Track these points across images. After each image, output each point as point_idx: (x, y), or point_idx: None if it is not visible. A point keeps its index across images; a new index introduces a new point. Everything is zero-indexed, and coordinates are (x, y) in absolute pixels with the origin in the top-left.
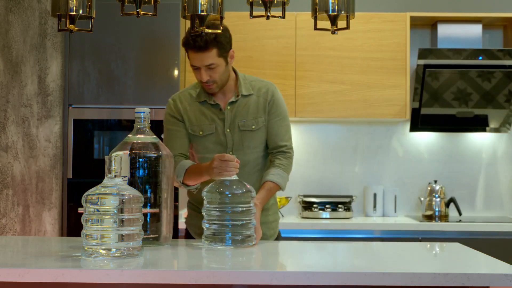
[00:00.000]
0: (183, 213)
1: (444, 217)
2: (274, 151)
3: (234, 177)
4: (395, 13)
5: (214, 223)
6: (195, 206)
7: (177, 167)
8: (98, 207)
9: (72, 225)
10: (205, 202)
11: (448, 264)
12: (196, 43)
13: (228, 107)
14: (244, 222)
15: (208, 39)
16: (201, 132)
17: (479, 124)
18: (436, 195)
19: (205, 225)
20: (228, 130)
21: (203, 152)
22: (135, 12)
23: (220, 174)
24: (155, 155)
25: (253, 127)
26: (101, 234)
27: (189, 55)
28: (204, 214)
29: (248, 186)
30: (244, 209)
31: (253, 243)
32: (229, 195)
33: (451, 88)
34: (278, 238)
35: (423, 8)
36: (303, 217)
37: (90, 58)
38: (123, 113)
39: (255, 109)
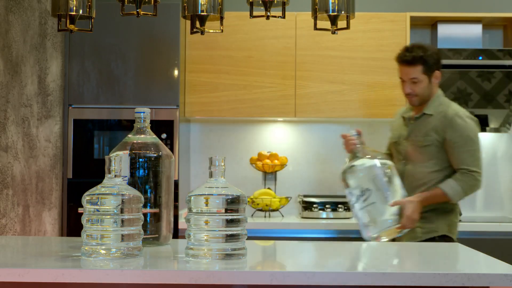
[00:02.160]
0: (183, 213)
1: None
2: (456, 172)
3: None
4: (395, 13)
5: (198, 233)
6: None
7: None
8: (98, 207)
9: (72, 225)
10: (188, 207)
11: (448, 264)
12: (404, 57)
13: (411, 122)
14: (235, 233)
15: (416, 56)
16: (392, 138)
17: (479, 124)
18: None
19: (187, 234)
20: (406, 141)
21: (395, 157)
22: (135, 12)
23: (346, 149)
24: (155, 155)
25: (420, 143)
26: (101, 234)
27: (399, 68)
28: (187, 222)
29: (240, 192)
30: (234, 217)
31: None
32: (217, 201)
33: (451, 88)
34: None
35: (423, 8)
36: (303, 217)
37: (90, 58)
38: (123, 113)
39: (429, 128)
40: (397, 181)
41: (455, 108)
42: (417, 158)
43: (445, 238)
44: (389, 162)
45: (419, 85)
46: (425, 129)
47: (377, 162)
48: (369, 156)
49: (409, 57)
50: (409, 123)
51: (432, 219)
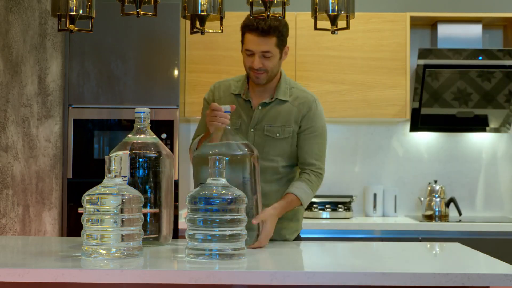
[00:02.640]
0: (183, 213)
1: (444, 217)
2: (303, 167)
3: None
4: (395, 13)
5: (198, 233)
6: None
7: (193, 143)
8: (98, 207)
9: (72, 225)
10: (188, 208)
11: (448, 264)
12: (259, 25)
13: (260, 107)
14: (235, 233)
15: (272, 25)
16: (228, 126)
17: (479, 124)
18: (436, 195)
19: (187, 235)
20: (252, 130)
21: None
22: (135, 12)
23: (210, 124)
24: (155, 155)
25: (277, 135)
26: (101, 234)
27: (246, 39)
28: (187, 222)
29: (240, 192)
30: (234, 218)
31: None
32: (216, 201)
33: (451, 88)
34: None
35: (423, 8)
36: (303, 217)
37: (90, 58)
38: (123, 113)
39: (286, 118)
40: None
41: (307, 91)
42: (270, 152)
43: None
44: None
45: (271, 60)
46: (280, 119)
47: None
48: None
49: (264, 26)
50: (257, 109)
51: (290, 217)
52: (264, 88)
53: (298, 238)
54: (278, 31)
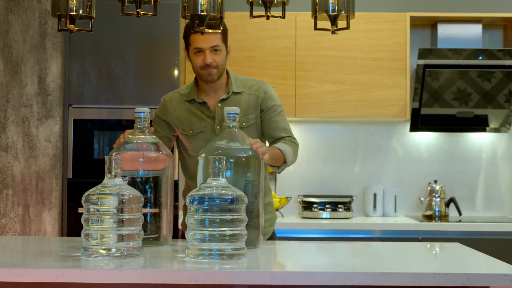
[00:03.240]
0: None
1: (444, 217)
2: (276, 141)
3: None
4: (395, 13)
5: (198, 233)
6: None
7: None
8: (98, 207)
9: (72, 225)
10: (188, 208)
11: (448, 264)
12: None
13: (219, 105)
14: (235, 233)
15: (217, 21)
16: (191, 131)
17: (479, 124)
18: (436, 195)
19: (188, 235)
20: (218, 127)
21: (196, 151)
22: (135, 12)
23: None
24: (155, 155)
25: (244, 124)
26: (101, 234)
27: (193, 40)
28: (187, 222)
29: (240, 192)
30: (234, 218)
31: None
32: (216, 201)
33: (451, 88)
34: (273, 238)
35: (423, 8)
36: (303, 217)
37: (90, 58)
38: (123, 113)
39: (246, 106)
40: None
41: (256, 79)
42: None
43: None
44: None
45: (220, 55)
46: (243, 108)
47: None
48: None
49: (210, 22)
50: (217, 107)
51: (268, 209)
52: (215, 87)
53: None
54: (222, 27)
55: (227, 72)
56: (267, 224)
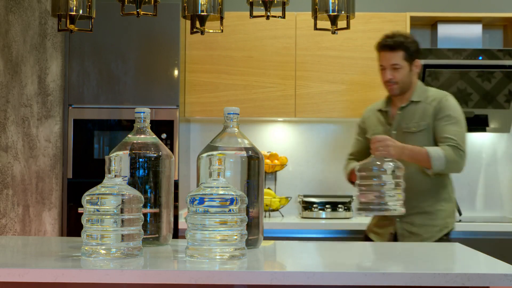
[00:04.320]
0: (183, 213)
1: None
2: (442, 142)
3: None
4: (395, 13)
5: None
6: None
7: (344, 167)
8: (98, 207)
9: (72, 225)
10: (188, 208)
11: (448, 264)
12: (386, 42)
13: (399, 112)
14: (234, 232)
15: (397, 41)
16: (374, 135)
17: (479, 124)
18: None
19: (187, 235)
20: (394, 132)
21: None
22: (135, 12)
23: (374, 151)
24: (155, 155)
25: (414, 129)
26: (101, 234)
27: (379, 56)
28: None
29: (240, 192)
30: (235, 217)
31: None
32: (216, 201)
33: (451, 88)
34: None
35: (423, 8)
36: (303, 217)
37: (90, 58)
38: (123, 113)
39: (421, 114)
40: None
41: (441, 91)
42: (412, 145)
43: (450, 232)
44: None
45: (400, 72)
46: (416, 116)
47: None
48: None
49: (390, 42)
50: (396, 114)
51: (441, 215)
52: (401, 98)
53: (443, 238)
54: (404, 46)
55: (417, 84)
56: (423, 230)
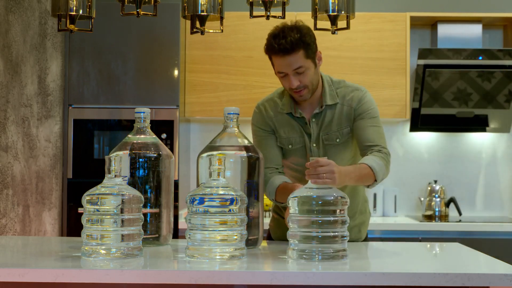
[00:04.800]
0: (183, 213)
1: (444, 217)
2: (365, 152)
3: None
4: (395, 13)
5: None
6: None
7: (268, 184)
8: (98, 207)
9: (72, 225)
10: (188, 208)
11: (448, 264)
12: (280, 46)
13: (313, 120)
14: (234, 232)
15: (293, 40)
16: (290, 146)
17: (479, 124)
18: (436, 195)
19: (187, 235)
20: (314, 145)
21: (296, 164)
22: (135, 12)
23: (312, 178)
24: (155, 155)
25: (337, 140)
26: (101, 234)
27: (274, 61)
28: (187, 222)
29: (240, 192)
30: (235, 217)
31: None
32: (216, 201)
33: (451, 88)
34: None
35: (423, 8)
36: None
37: (90, 58)
38: (123, 113)
39: (339, 119)
40: None
41: (352, 85)
42: (335, 158)
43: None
44: None
45: (306, 74)
46: (336, 122)
47: None
48: None
49: (286, 45)
50: (312, 123)
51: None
52: (310, 100)
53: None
54: (302, 43)
55: (323, 80)
56: (361, 228)
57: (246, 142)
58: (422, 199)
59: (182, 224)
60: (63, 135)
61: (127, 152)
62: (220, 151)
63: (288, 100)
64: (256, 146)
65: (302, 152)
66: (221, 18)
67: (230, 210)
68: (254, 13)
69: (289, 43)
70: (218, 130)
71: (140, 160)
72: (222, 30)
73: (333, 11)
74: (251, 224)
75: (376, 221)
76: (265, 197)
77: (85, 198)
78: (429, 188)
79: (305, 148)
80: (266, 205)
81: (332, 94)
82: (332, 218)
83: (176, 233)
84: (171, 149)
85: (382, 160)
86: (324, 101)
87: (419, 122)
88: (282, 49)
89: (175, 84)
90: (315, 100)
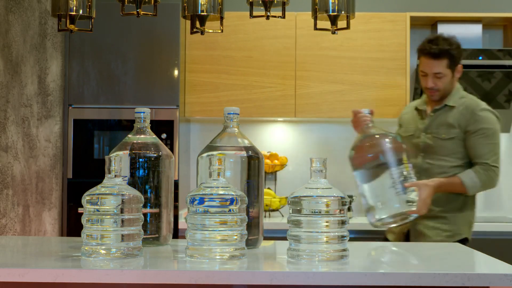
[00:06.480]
0: (183, 213)
1: None
2: (475, 165)
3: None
4: (395, 13)
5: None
6: None
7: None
8: (98, 207)
9: (72, 225)
10: (188, 208)
11: (448, 264)
12: (431, 50)
13: (432, 114)
14: (234, 232)
15: (442, 49)
16: (405, 133)
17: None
18: None
19: (187, 235)
20: (424, 134)
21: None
22: (135, 12)
23: (356, 126)
24: (155, 155)
25: (443, 136)
26: (101, 234)
27: (421, 61)
28: (187, 222)
29: (240, 192)
30: (235, 217)
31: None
32: (216, 201)
33: None
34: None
35: (423, 8)
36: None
37: (90, 58)
38: (123, 113)
39: (452, 120)
40: (410, 165)
41: (477, 100)
42: (438, 152)
43: (465, 242)
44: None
45: (442, 80)
46: (448, 122)
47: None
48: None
49: (435, 50)
50: (429, 116)
51: (455, 221)
52: (441, 100)
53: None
54: (448, 54)
55: (455, 87)
56: (434, 232)
57: (246, 142)
58: None
59: (182, 224)
60: (63, 135)
61: (127, 152)
62: (220, 151)
63: (424, 99)
64: None
65: (411, 140)
66: (221, 18)
67: (230, 210)
68: (254, 13)
69: (437, 50)
70: (218, 130)
71: (140, 160)
72: (222, 30)
73: (333, 11)
74: (251, 224)
75: None
76: (265, 197)
77: (85, 198)
78: None
79: (413, 137)
80: (266, 205)
81: (455, 99)
82: (332, 218)
83: (176, 233)
84: (171, 149)
85: (478, 175)
86: (446, 101)
87: None
88: (431, 53)
89: (175, 84)
90: (442, 101)
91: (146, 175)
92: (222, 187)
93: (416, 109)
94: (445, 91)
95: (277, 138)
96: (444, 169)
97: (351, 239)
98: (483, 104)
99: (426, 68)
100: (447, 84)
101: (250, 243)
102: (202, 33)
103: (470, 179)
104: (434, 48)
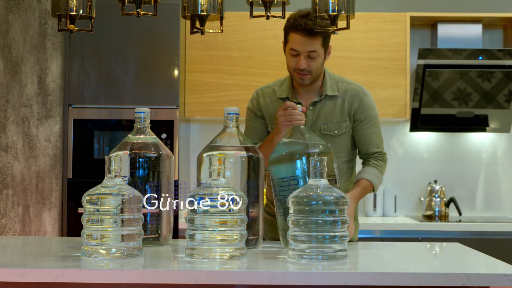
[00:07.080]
0: (183, 213)
1: (444, 217)
2: (367, 156)
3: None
4: (395, 13)
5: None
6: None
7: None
8: (98, 207)
9: (72, 225)
10: (188, 208)
11: (448, 264)
12: (307, 25)
13: (311, 108)
14: (234, 232)
15: (319, 25)
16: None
17: (479, 124)
18: (436, 195)
19: (187, 235)
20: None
21: None
22: (135, 12)
23: (286, 124)
24: (155, 155)
25: (336, 131)
26: (101, 234)
27: (291, 38)
28: (187, 222)
29: (240, 192)
30: (235, 217)
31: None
32: (216, 201)
33: (451, 88)
34: None
35: (423, 8)
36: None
37: (90, 58)
38: (123, 113)
39: (340, 112)
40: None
41: (356, 84)
42: (333, 150)
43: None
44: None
45: (316, 60)
46: (335, 114)
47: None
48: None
49: (311, 26)
50: (308, 110)
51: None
52: (309, 88)
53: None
54: (323, 31)
55: (324, 72)
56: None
57: (246, 142)
58: (422, 199)
59: (182, 224)
60: (63, 135)
61: (127, 152)
62: (220, 151)
63: (287, 86)
64: (246, 129)
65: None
66: (221, 18)
67: (230, 210)
68: (254, 13)
69: (313, 25)
70: (218, 130)
71: (140, 160)
72: (222, 30)
73: (333, 11)
74: (251, 224)
75: (376, 221)
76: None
77: (85, 198)
78: (429, 188)
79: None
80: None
81: (333, 86)
82: (332, 218)
83: (176, 233)
84: (171, 149)
85: (379, 169)
86: (324, 91)
87: (419, 122)
88: (307, 29)
89: (175, 84)
90: (314, 90)
91: (146, 175)
92: (222, 187)
93: (283, 99)
94: (316, 75)
95: None
96: (340, 166)
97: (351, 239)
98: (364, 88)
99: (299, 46)
100: (320, 66)
101: (250, 243)
102: (202, 33)
103: (375, 176)
104: (310, 23)
